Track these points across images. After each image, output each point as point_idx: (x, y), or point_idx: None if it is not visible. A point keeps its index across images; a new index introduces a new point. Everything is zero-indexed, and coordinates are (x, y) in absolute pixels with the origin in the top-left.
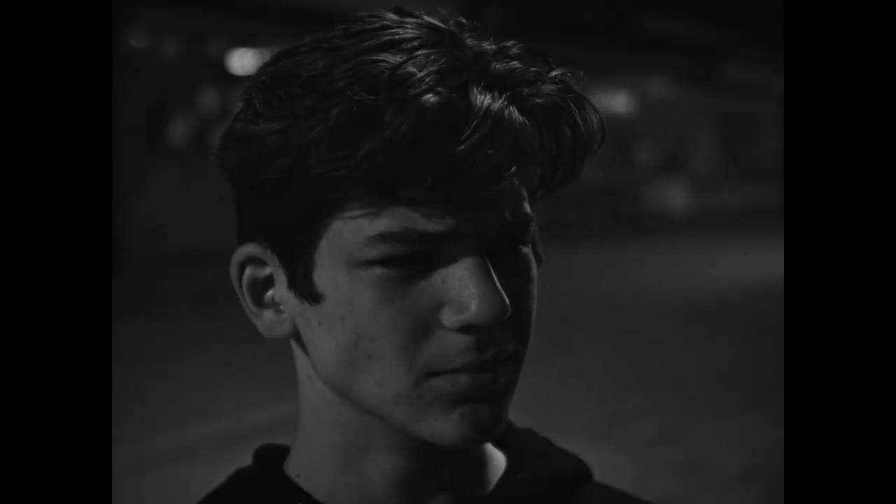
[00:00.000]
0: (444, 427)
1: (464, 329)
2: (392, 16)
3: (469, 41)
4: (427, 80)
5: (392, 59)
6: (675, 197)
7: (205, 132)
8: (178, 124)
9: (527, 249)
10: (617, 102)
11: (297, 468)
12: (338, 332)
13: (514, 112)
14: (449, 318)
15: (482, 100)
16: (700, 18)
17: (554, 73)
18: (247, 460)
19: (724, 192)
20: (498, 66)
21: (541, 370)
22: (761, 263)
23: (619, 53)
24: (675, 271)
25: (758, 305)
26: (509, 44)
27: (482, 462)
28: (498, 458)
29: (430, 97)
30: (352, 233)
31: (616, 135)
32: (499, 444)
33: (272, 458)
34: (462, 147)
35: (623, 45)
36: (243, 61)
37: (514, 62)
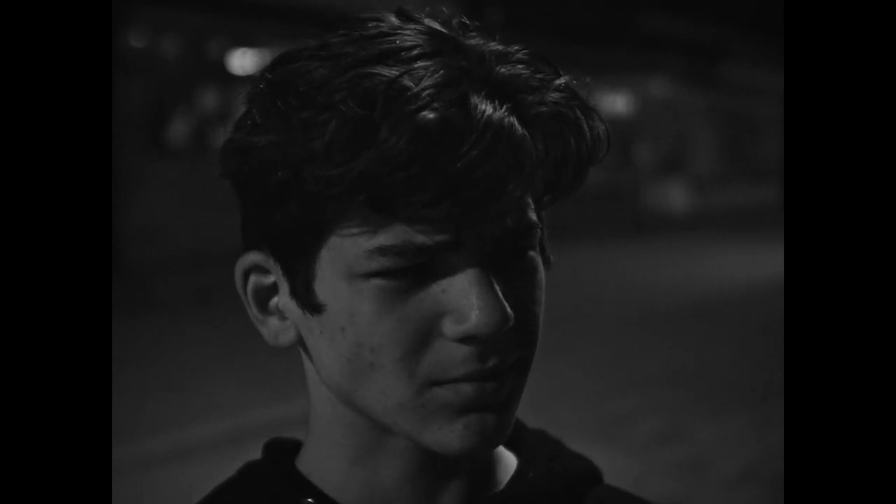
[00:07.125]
0: (447, 437)
1: (465, 339)
2: (393, 19)
3: (473, 42)
4: (424, 94)
5: (388, 72)
6: (675, 197)
7: (205, 132)
8: (178, 124)
9: (533, 254)
10: (617, 102)
11: (308, 465)
12: (339, 342)
13: (514, 123)
14: (450, 328)
15: (482, 110)
16: (700, 18)
17: (560, 81)
18: (247, 460)
19: (724, 192)
20: (502, 70)
21: (541, 370)
22: (761, 263)
23: (619, 53)
24: (675, 271)
25: (758, 305)
26: (514, 48)
27: (492, 462)
28: (508, 459)
29: (426, 114)
30: (351, 246)
31: (616, 135)
32: (509, 445)
33: (282, 452)
34: (459, 164)
35: (623, 45)
36: (243, 61)
37: (520, 66)
